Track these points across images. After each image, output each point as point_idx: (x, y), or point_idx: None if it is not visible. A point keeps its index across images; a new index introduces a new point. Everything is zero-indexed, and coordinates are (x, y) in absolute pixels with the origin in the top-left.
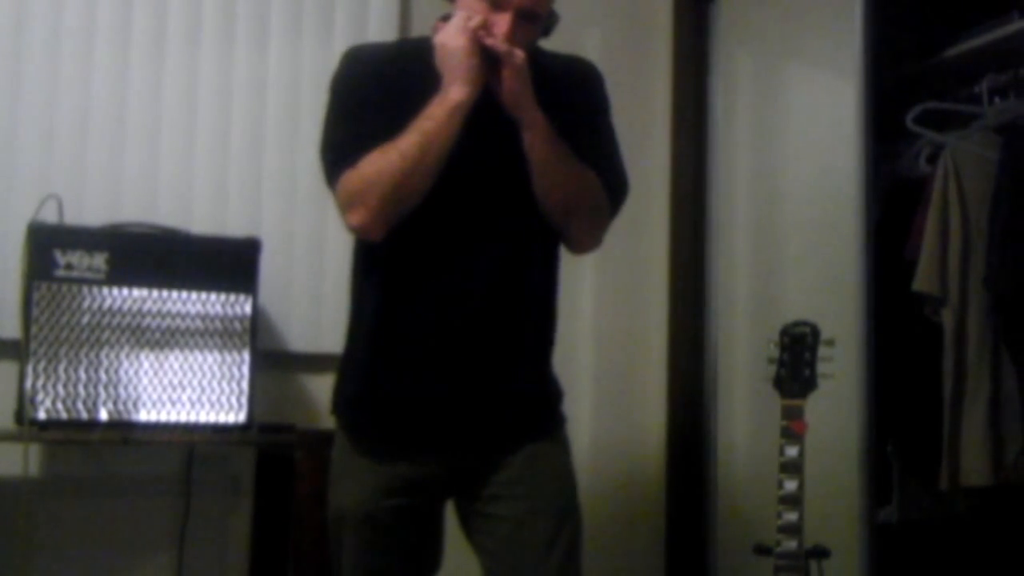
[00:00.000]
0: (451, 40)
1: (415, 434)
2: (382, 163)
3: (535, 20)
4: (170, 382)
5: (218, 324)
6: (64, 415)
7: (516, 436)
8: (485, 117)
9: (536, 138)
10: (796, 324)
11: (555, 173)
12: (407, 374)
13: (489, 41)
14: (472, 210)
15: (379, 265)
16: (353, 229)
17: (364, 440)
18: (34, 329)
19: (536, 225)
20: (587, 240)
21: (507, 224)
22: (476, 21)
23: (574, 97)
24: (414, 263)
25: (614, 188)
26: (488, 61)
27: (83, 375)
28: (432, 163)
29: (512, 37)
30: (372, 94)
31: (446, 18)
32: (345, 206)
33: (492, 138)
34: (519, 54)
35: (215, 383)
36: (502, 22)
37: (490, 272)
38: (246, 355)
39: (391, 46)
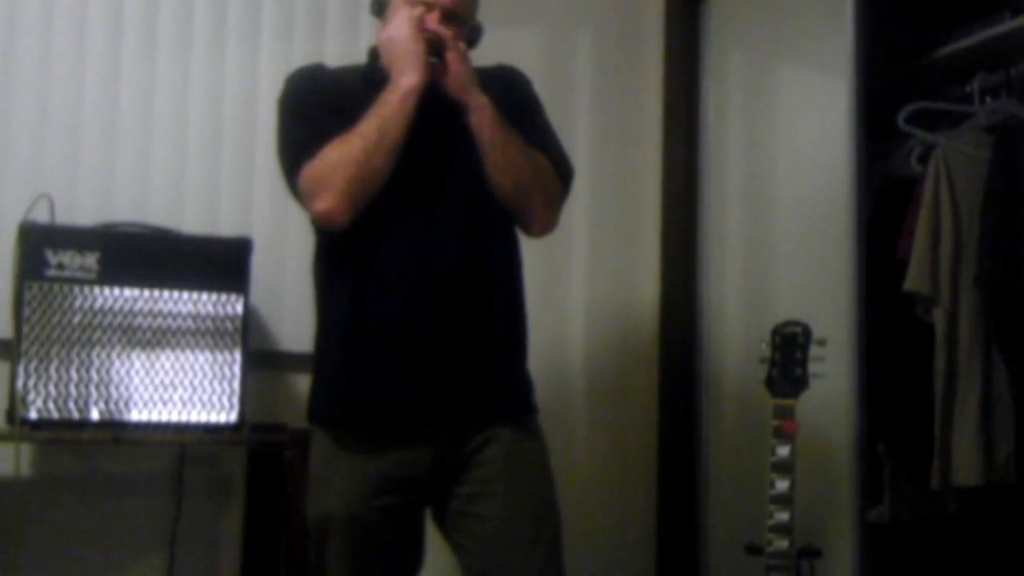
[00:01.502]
0: (397, 32)
1: (394, 420)
2: (344, 148)
3: (460, 22)
4: (161, 382)
5: (209, 324)
6: (55, 415)
7: (490, 412)
8: (433, 117)
9: (484, 119)
10: (787, 324)
11: (505, 152)
12: (382, 364)
13: (432, 26)
14: (427, 204)
15: (343, 262)
16: (320, 214)
17: (347, 435)
18: (25, 329)
19: (491, 217)
20: (542, 219)
21: (463, 217)
22: (418, 11)
23: (506, 101)
24: (378, 258)
25: (562, 170)
26: (431, 51)
27: (74, 375)
28: (391, 144)
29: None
30: (322, 101)
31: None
32: (311, 194)
33: (441, 136)
34: (461, 43)
35: (206, 383)
36: (432, 18)
37: (450, 263)
38: (237, 355)
39: (332, 68)
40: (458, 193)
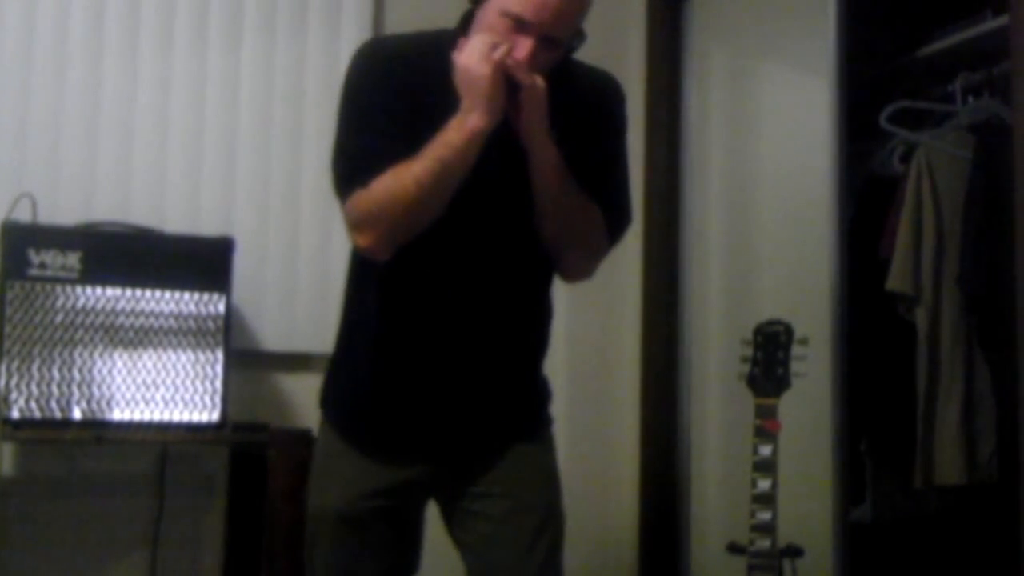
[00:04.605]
0: (476, 67)
1: (408, 440)
2: (396, 189)
3: (557, 46)
4: (144, 381)
5: (191, 323)
6: (38, 414)
7: (505, 439)
8: (495, 138)
9: (545, 172)
10: (770, 323)
11: (558, 207)
12: (406, 383)
13: (517, 73)
14: (475, 227)
15: (380, 274)
16: (361, 250)
17: (353, 437)
18: (7, 328)
19: (534, 246)
20: (579, 272)
21: (508, 242)
22: (502, 52)
23: (594, 117)
24: (417, 274)
25: (615, 223)
26: (508, 87)
27: (57, 374)
28: (447, 191)
29: (532, 61)
30: (388, 99)
31: (470, 19)
32: (355, 227)
33: (501, 159)
34: (540, 85)
35: (189, 382)
36: (523, 47)
37: (487, 286)
38: (219, 354)
39: (409, 41)
40: (503, 220)
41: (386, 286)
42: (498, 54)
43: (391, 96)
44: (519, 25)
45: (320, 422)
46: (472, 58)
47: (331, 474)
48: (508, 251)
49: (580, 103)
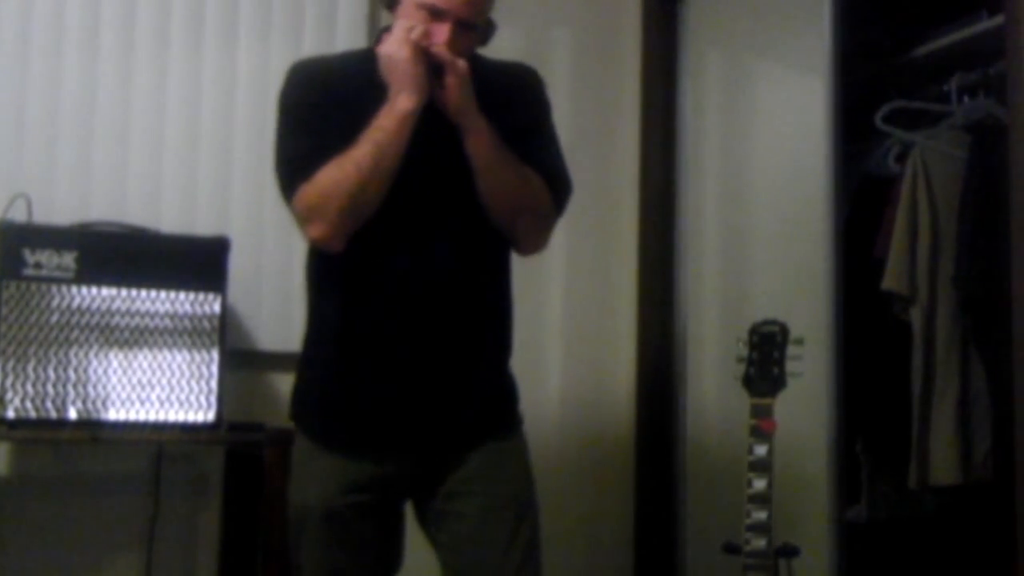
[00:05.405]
0: (395, 51)
1: (380, 435)
2: (338, 175)
3: (472, 29)
4: (139, 381)
5: (187, 323)
6: (33, 414)
7: (476, 434)
8: (429, 124)
9: (479, 143)
10: (765, 323)
11: (498, 176)
12: (371, 378)
13: (434, 49)
14: (422, 214)
15: (336, 271)
16: (314, 241)
17: (327, 440)
18: (3, 328)
19: (485, 228)
20: (533, 241)
21: (457, 227)
22: (418, 32)
23: (515, 102)
24: (370, 268)
25: (557, 189)
26: (431, 69)
27: (52, 374)
28: (386, 172)
29: (451, 46)
30: (321, 105)
31: (388, 29)
32: (304, 219)
33: (437, 144)
34: (462, 62)
35: (184, 382)
36: (441, 31)
37: (444, 275)
38: (215, 354)
39: (335, 58)
40: (449, 204)
41: (346, 283)
42: (415, 35)
43: (324, 103)
44: (435, 14)
45: (295, 429)
46: (392, 45)
47: (310, 475)
48: (460, 232)
49: (500, 93)
